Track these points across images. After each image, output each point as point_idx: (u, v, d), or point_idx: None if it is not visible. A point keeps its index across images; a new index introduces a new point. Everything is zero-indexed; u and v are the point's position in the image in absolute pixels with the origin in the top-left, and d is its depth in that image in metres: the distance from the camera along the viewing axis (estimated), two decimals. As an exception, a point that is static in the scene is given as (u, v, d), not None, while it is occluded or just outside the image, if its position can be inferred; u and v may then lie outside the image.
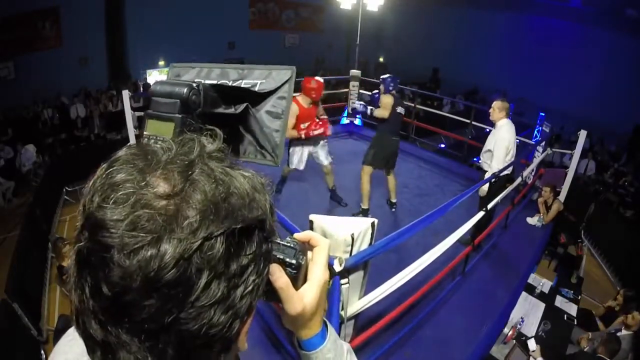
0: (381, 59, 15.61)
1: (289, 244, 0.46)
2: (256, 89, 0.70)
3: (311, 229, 2.02)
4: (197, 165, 0.34)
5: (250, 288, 0.35)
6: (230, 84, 0.72)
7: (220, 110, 0.62)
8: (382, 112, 3.95)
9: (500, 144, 3.60)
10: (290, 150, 4.05)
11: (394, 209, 4.42)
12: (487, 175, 3.59)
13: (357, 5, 7.58)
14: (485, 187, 3.45)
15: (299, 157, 4.05)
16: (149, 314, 0.30)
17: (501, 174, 3.53)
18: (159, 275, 0.29)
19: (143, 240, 0.30)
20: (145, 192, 0.31)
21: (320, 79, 3.99)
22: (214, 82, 0.72)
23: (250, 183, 0.36)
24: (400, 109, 4.01)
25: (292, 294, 0.45)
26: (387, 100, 3.91)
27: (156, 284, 0.29)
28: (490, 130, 6.60)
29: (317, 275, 0.47)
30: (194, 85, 0.54)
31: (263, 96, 0.70)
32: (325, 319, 0.51)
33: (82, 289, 0.32)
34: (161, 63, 11.85)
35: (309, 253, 0.49)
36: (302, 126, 3.85)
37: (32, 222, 5.26)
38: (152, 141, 0.36)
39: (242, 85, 0.71)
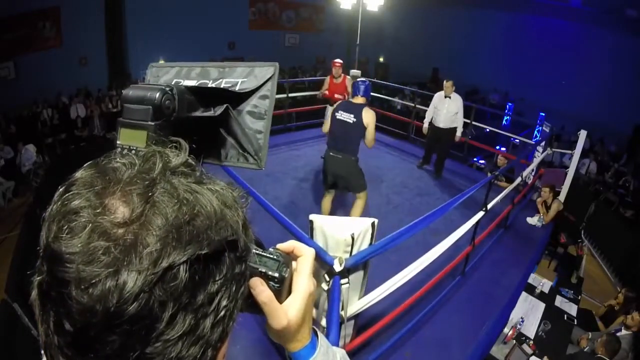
0: (381, 59, 15.61)
1: (271, 256, 0.44)
2: (236, 88, 0.66)
3: (311, 229, 2.02)
4: (159, 184, 0.32)
5: (222, 314, 0.33)
6: (210, 83, 0.68)
7: (198, 113, 0.58)
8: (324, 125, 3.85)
9: (462, 108, 5.21)
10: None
11: None
12: (458, 131, 5.22)
13: (357, 5, 7.58)
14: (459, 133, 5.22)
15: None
16: (113, 350, 0.29)
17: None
18: (120, 310, 0.28)
19: (100, 275, 0.28)
20: (101, 219, 0.29)
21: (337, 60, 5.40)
22: (194, 82, 0.69)
23: (219, 199, 0.34)
24: (342, 115, 3.25)
25: (276, 308, 0.43)
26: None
27: (117, 320, 0.28)
28: (490, 130, 6.70)
29: (302, 286, 0.45)
30: (168, 89, 0.50)
31: (244, 96, 0.66)
32: (315, 328, 0.49)
33: (47, 323, 0.31)
34: (161, 63, 11.84)
35: (294, 263, 0.47)
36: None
37: (32, 222, 5.26)
38: (114, 156, 0.34)
39: (222, 85, 0.68)
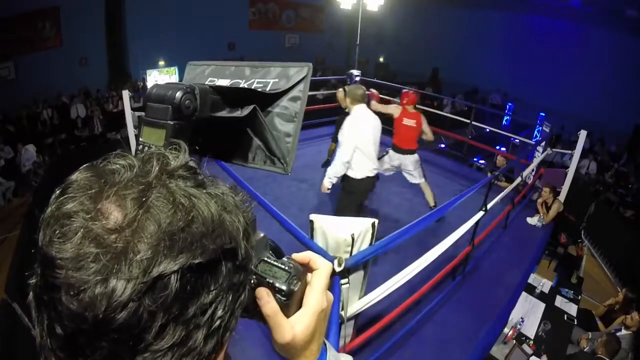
0: (381, 59, 15.58)
1: (283, 266, 0.41)
2: (267, 88, 0.64)
3: (311, 229, 2.02)
4: (155, 188, 0.30)
5: (216, 325, 0.32)
6: (242, 82, 0.67)
7: (224, 114, 0.57)
8: None
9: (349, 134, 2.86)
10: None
11: None
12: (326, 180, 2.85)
13: (357, 5, 7.58)
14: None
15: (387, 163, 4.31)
16: (102, 357, 0.28)
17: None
18: (108, 318, 0.27)
19: (89, 282, 0.27)
20: (93, 225, 0.28)
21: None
22: (227, 80, 0.68)
23: (219, 203, 0.33)
24: None
25: (281, 322, 0.40)
26: None
27: (106, 328, 0.27)
28: (490, 130, 6.66)
29: (314, 302, 0.42)
30: (189, 89, 0.50)
31: (274, 97, 0.64)
32: (326, 341, 0.46)
33: (42, 325, 0.30)
34: (161, 63, 11.84)
35: (308, 275, 0.44)
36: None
37: (32, 222, 5.26)
38: (113, 158, 0.33)
39: (254, 85, 0.66)
